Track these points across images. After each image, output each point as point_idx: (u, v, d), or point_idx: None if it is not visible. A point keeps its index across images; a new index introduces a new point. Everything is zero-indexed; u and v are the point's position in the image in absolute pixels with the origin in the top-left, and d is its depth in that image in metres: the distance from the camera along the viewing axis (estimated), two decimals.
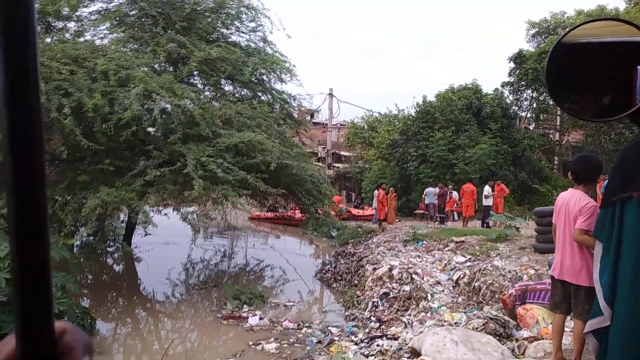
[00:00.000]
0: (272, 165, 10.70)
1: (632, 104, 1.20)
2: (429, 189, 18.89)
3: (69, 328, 0.42)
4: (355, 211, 22.65)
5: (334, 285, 12.90)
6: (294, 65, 14.95)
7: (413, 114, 24.65)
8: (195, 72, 14.19)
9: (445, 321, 5.85)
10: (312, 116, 43.97)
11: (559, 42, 1.28)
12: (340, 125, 36.18)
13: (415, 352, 4.33)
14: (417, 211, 20.44)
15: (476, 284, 9.23)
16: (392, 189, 19.70)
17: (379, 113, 29.34)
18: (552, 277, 3.90)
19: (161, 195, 10.48)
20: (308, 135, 16.45)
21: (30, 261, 0.37)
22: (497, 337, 4.68)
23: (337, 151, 31.39)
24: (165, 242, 17.16)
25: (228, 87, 14.96)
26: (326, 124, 38.14)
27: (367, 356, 5.15)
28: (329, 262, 14.68)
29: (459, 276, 9.82)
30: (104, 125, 10.41)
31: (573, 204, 3.67)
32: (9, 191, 0.37)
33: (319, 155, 30.49)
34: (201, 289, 12.55)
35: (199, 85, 14.69)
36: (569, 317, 3.99)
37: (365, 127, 29.12)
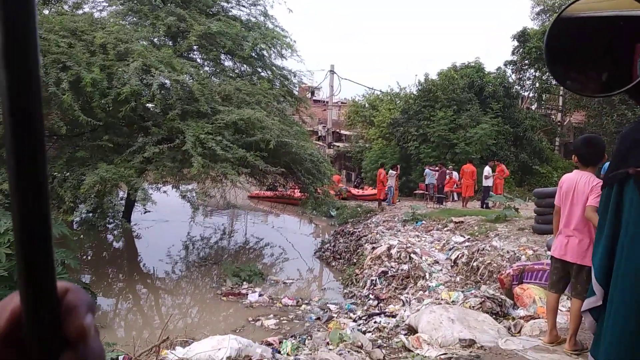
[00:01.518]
0: (272, 144, 10.64)
1: (633, 79, 1.18)
2: (429, 170, 18.84)
3: (72, 287, 0.42)
4: (355, 191, 22.62)
5: (333, 264, 12.96)
6: (295, 41, 14.77)
7: (414, 93, 24.45)
8: (195, 47, 14.03)
9: (442, 300, 5.86)
10: (312, 94, 43.70)
11: (559, 17, 1.25)
12: (342, 103, 35.93)
13: (412, 329, 4.35)
14: (417, 191, 20.43)
15: (474, 264, 9.26)
16: (397, 166, 19.64)
17: (380, 91, 29.12)
18: (551, 257, 3.87)
19: (160, 172, 10.43)
20: (308, 113, 16.31)
21: (31, 219, 0.38)
22: (494, 316, 4.69)
23: (338, 130, 31.23)
24: (165, 219, 17.18)
25: (228, 63, 14.80)
26: (327, 102, 37.88)
27: (364, 332, 5.18)
28: (328, 241, 14.72)
29: (457, 256, 9.84)
30: (102, 101, 10.30)
31: (583, 184, 3.63)
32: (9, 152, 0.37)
33: (319, 134, 30.34)
34: (201, 266, 12.61)
35: (199, 61, 14.52)
36: (563, 297, 4.01)
37: (367, 105, 28.88)
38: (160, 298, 10.99)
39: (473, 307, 4.78)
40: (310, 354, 4.03)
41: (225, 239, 17.93)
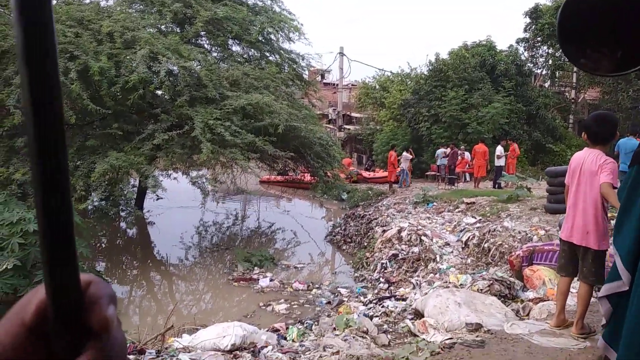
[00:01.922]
0: (280, 128, 10.60)
1: None
2: (440, 150, 18.69)
3: (94, 280, 0.43)
4: (366, 174, 22.53)
5: (344, 247, 12.97)
6: (302, 24, 14.62)
7: (425, 73, 24.15)
8: (202, 33, 13.96)
9: (450, 283, 5.83)
10: (322, 77, 43.43)
11: None
12: (352, 85, 35.66)
13: (419, 314, 4.33)
14: (428, 173, 20.29)
15: (485, 245, 9.19)
16: (410, 149, 19.53)
17: (391, 72, 28.80)
18: (560, 239, 3.79)
19: (170, 159, 10.47)
20: (317, 96, 16.20)
21: (54, 215, 0.39)
22: (502, 299, 4.65)
23: (348, 112, 31.04)
24: (178, 206, 17.30)
25: (236, 48, 14.72)
26: (337, 85, 37.62)
27: (371, 317, 5.18)
28: (339, 225, 14.72)
29: (468, 237, 9.78)
30: (110, 89, 10.33)
31: (590, 162, 3.52)
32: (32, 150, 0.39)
33: (329, 117, 30.19)
34: (213, 252, 12.72)
35: (206, 46, 14.46)
36: (575, 280, 3.93)
37: (377, 87, 28.62)
38: (174, 284, 11.13)
39: (481, 290, 4.74)
40: (316, 340, 4.04)
41: (237, 225, 18.05)
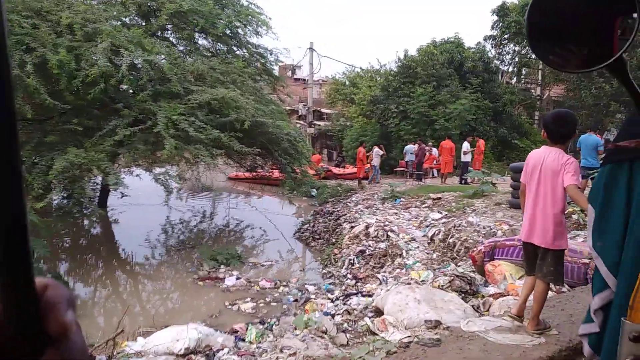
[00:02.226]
0: (246, 124, 10.44)
1: (613, 54, 1.18)
2: (408, 146, 18.80)
3: (50, 283, 0.41)
4: (336, 170, 22.53)
5: (312, 244, 12.92)
6: (270, 18, 14.45)
7: (394, 69, 24.27)
8: (169, 26, 13.66)
9: (412, 279, 5.82)
10: (293, 72, 43.23)
11: None
12: (323, 81, 35.56)
13: (380, 311, 4.29)
14: (397, 169, 20.40)
15: (451, 240, 9.27)
16: (381, 145, 19.58)
17: (361, 68, 28.85)
18: (521, 240, 3.71)
19: (132, 155, 10.19)
20: (286, 92, 16.06)
21: (5, 215, 0.37)
22: (463, 295, 4.66)
23: (319, 108, 30.96)
24: (144, 203, 16.93)
25: (203, 42, 14.45)
26: (307, 80, 37.45)
27: (334, 315, 5.13)
28: (308, 222, 14.65)
29: (434, 233, 9.85)
30: (70, 83, 9.98)
31: (551, 161, 3.42)
32: None
33: (300, 113, 30.06)
34: (179, 250, 12.47)
35: (173, 40, 14.15)
36: None
37: (347, 83, 28.62)
38: (138, 284, 10.88)
39: (442, 286, 4.73)
40: (275, 341, 3.95)
41: (205, 222, 17.78)
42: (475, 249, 5.85)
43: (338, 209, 14.19)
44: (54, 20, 10.67)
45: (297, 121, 30.88)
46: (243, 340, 4.53)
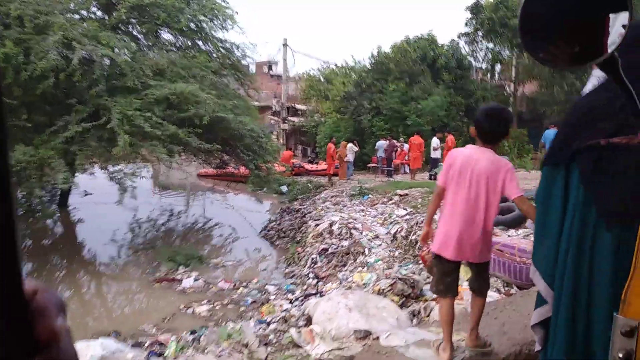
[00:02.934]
0: (205, 119, 10.10)
1: (604, 50, 1.17)
2: (380, 142, 18.63)
3: (40, 287, 0.40)
4: (308, 166, 22.28)
5: (277, 243, 12.62)
6: (237, 12, 14.07)
7: (368, 66, 24.10)
8: (134, 20, 13.18)
9: (354, 282, 5.58)
10: (270, 68, 42.79)
11: None
12: (299, 77, 35.25)
13: (311, 320, 4.02)
14: (369, 165, 20.23)
15: (413, 238, 9.07)
16: (355, 141, 19.38)
17: (335, 64, 28.62)
18: (438, 257, 3.02)
19: (84, 153, 9.76)
20: (254, 86, 15.70)
21: None
22: (405, 298, 4.42)
23: (293, 104, 30.65)
24: (109, 202, 16.46)
25: (167, 36, 14.01)
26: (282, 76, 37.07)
27: (269, 324, 4.86)
28: (275, 219, 14.36)
29: (397, 230, 9.65)
30: (18, 77, 9.51)
31: (487, 164, 2.86)
32: None
33: (274, 109, 29.72)
34: (137, 252, 12.06)
35: (137, 34, 13.67)
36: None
37: (322, 79, 28.36)
38: (91, 287, 10.50)
39: (383, 290, 4.48)
40: (191, 356, 3.65)
41: (173, 220, 17.35)
42: (425, 248, 5.61)
43: (305, 206, 13.93)
44: (2, 12, 10.18)
45: (272, 117, 30.55)
46: (160, 355, 4.21)
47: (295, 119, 28.87)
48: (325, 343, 3.33)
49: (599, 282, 1.71)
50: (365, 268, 8.44)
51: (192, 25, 13.31)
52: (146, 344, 5.18)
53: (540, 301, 2.04)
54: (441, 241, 2.98)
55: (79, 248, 13.29)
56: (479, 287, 3.03)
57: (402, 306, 4.24)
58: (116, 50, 10.65)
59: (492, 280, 4.49)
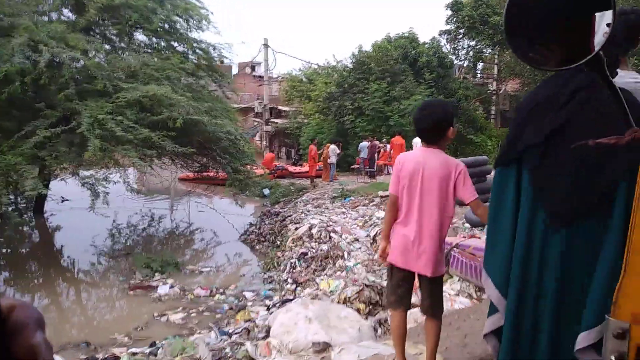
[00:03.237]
0: (179, 122, 9.86)
1: (591, 50, 1.21)
2: (363, 143, 18.48)
3: (18, 304, 0.41)
4: (291, 168, 22.06)
5: (257, 247, 12.39)
6: (212, 12, 13.83)
7: (349, 65, 23.93)
8: (105, 21, 12.87)
9: (321, 290, 5.40)
10: (253, 69, 42.47)
11: None
12: (283, 78, 34.98)
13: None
14: (353, 166, 20.08)
15: None
16: (339, 143, 19.21)
17: (317, 64, 28.41)
18: (390, 265, 2.81)
19: (53, 159, 9.46)
20: (232, 88, 15.45)
21: None
22: (372, 306, 4.23)
23: (277, 106, 30.40)
24: (87, 208, 16.11)
25: (142, 37, 13.70)
26: (267, 77, 36.76)
27: (231, 335, 4.65)
28: (255, 223, 14.13)
29: (377, 232, 9.48)
30: None
31: (437, 167, 2.63)
32: None
33: (256, 111, 29.45)
34: (113, 258, 11.77)
35: (110, 36, 13.36)
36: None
37: (304, 79, 28.14)
38: (65, 295, 10.19)
39: (349, 298, 4.29)
40: None
41: (153, 226, 17.04)
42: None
43: (285, 209, 13.72)
44: None
45: (254, 119, 30.28)
46: None
47: (279, 121, 28.63)
48: (282, 357, 3.14)
49: (546, 287, 1.60)
50: (344, 272, 8.27)
51: (167, 26, 13.05)
52: (100, 358, 4.95)
53: (492, 309, 1.87)
54: (393, 249, 2.76)
55: (54, 256, 12.96)
56: (431, 307, 2.73)
57: (369, 314, 4.07)
58: (89, 52, 10.38)
59: (464, 285, 4.33)
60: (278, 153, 29.10)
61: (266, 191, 17.69)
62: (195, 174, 14.89)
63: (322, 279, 6.11)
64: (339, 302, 4.27)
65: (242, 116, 34.33)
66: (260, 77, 33.42)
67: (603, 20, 1.22)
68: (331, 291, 5.04)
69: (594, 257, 1.48)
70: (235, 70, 46.79)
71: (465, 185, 2.62)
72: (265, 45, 26.26)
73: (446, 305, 3.93)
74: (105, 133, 9.45)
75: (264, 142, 27.78)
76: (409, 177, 2.70)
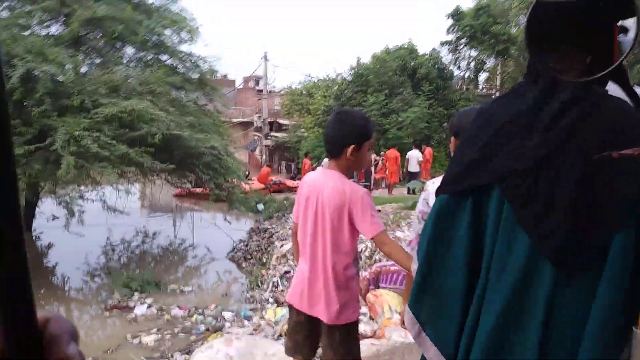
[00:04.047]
0: (157, 137, 9.59)
1: (614, 60, 1.15)
2: None
3: (52, 316, 0.41)
4: (289, 182, 21.74)
5: (244, 265, 12.04)
6: (201, 24, 13.64)
7: (347, 78, 23.70)
8: (89, 35, 12.72)
9: (266, 319, 5.02)
10: (257, 83, 42.48)
11: (538, 2, 1.19)
12: (285, 91, 34.88)
13: None
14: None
15: (377, 257, 8.53)
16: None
17: (318, 78, 28.23)
18: (289, 306, 2.43)
19: (27, 177, 9.22)
20: (222, 102, 15.20)
21: (7, 253, 0.36)
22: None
23: (277, 120, 30.22)
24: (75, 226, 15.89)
25: (129, 50, 13.54)
26: (270, 91, 36.69)
27: None
28: (243, 240, 13.79)
29: (362, 249, 9.08)
30: None
31: (329, 193, 2.17)
32: None
33: (255, 125, 29.28)
34: (94, 277, 11.49)
35: (95, 50, 13.18)
36: None
37: (303, 92, 27.95)
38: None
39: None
40: None
41: (148, 242, 16.77)
42: (361, 275, 5.08)
43: (273, 226, 13.36)
44: None
45: (255, 133, 30.10)
46: None
47: (279, 135, 28.41)
48: None
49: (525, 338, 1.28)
50: None
51: (154, 38, 12.88)
52: None
53: None
54: (291, 287, 2.36)
55: (38, 274, 12.71)
56: (325, 356, 2.23)
57: None
58: (67, 66, 10.18)
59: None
60: (278, 167, 28.84)
61: (260, 206, 17.37)
62: (189, 190, 14.54)
63: (269, 307, 5.69)
64: (280, 335, 3.88)
65: (242, 130, 34.22)
66: (262, 90, 33.35)
67: (628, 29, 1.17)
68: (276, 321, 4.65)
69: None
70: (239, 84, 47.04)
71: (363, 216, 2.11)
72: (265, 59, 26.15)
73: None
74: (81, 150, 9.20)
75: (264, 157, 27.55)
76: (304, 203, 2.28)
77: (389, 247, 2.07)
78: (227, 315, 8.66)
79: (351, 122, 2.23)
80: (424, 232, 1.49)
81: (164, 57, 13.56)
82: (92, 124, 9.60)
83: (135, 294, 9.83)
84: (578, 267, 1.23)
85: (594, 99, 1.24)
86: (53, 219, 16.46)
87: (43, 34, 11.73)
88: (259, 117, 27.93)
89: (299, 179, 23.06)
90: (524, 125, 1.32)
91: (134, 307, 9.27)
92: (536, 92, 1.33)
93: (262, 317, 5.23)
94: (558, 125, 1.26)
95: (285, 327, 4.02)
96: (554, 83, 1.29)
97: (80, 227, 14.95)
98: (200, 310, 9.11)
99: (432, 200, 2.20)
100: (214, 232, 16.49)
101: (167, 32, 13.20)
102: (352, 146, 2.16)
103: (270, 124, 29.00)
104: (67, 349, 0.39)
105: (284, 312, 5.08)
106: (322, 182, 2.24)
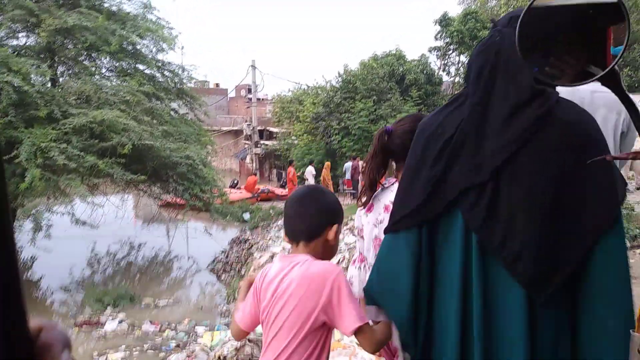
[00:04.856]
0: (127, 148, 9.32)
1: (607, 65, 1.15)
2: (348, 164, 17.92)
3: (45, 325, 0.41)
4: (278, 191, 21.47)
5: (223, 277, 11.74)
6: (180, 32, 13.40)
7: (336, 85, 23.46)
8: (59, 44, 12.42)
9: (202, 344, 4.71)
10: (249, 91, 42.29)
11: (530, 6, 1.18)
12: (276, 99, 34.64)
13: None
14: (340, 187, 19.48)
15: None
16: (328, 163, 18.69)
17: (307, 85, 27.96)
18: None
19: None
20: (203, 110, 14.87)
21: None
22: None
23: (267, 127, 29.96)
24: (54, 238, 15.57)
25: (105, 59, 13.24)
26: (263, 99, 36.43)
27: None
28: (224, 251, 13.48)
29: (339, 259, 8.81)
30: None
31: (298, 285, 1.53)
32: None
33: (245, 133, 29.02)
34: (69, 291, 11.17)
35: (66, 59, 12.86)
36: None
37: (293, 100, 27.67)
38: None
39: (225, 357, 3.56)
40: None
41: (133, 254, 16.44)
42: None
43: (253, 236, 13.06)
44: None
45: (245, 141, 29.85)
46: None
47: (269, 142, 28.13)
48: None
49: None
50: None
51: (129, 47, 12.63)
52: None
53: None
54: None
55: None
56: None
57: None
58: (33, 77, 9.93)
59: None
60: (269, 175, 28.55)
61: (246, 215, 17.08)
62: (173, 200, 14.20)
63: (205, 330, 5.39)
64: None
65: (233, 138, 33.94)
66: (257, 99, 33.11)
67: (618, 34, 1.18)
68: (212, 347, 4.31)
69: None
70: (232, 93, 46.85)
71: (344, 308, 1.50)
72: (253, 67, 25.94)
73: None
74: (48, 162, 8.92)
75: (254, 165, 27.28)
76: (259, 299, 1.69)
77: (370, 336, 1.53)
78: (200, 330, 8.35)
79: (326, 199, 1.74)
80: (378, 278, 1.40)
81: (141, 67, 13.29)
82: (61, 135, 9.33)
83: (108, 308, 9.54)
84: (552, 287, 1.18)
85: (543, 101, 1.22)
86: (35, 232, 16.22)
87: (13, 44, 11.51)
88: (248, 125, 27.67)
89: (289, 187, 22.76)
90: (474, 132, 1.26)
91: (105, 322, 8.98)
92: (474, 99, 1.28)
93: (195, 342, 4.89)
94: (511, 127, 1.22)
95: (219, 353, 3.72)
96: (489, 89, 1.27)
97: (64, 240, 14.73)
98: (173, 326, 8.81)
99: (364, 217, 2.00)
100: (200, 242, 16.19)
101: (144, 41, 12.96)
102: (335, 225, 1.65)
103: (261, 132, 28.74)
104: (60, 357, 0.38)
105: (222, 336, 4.76)
106: (280, 270, 1.65)
